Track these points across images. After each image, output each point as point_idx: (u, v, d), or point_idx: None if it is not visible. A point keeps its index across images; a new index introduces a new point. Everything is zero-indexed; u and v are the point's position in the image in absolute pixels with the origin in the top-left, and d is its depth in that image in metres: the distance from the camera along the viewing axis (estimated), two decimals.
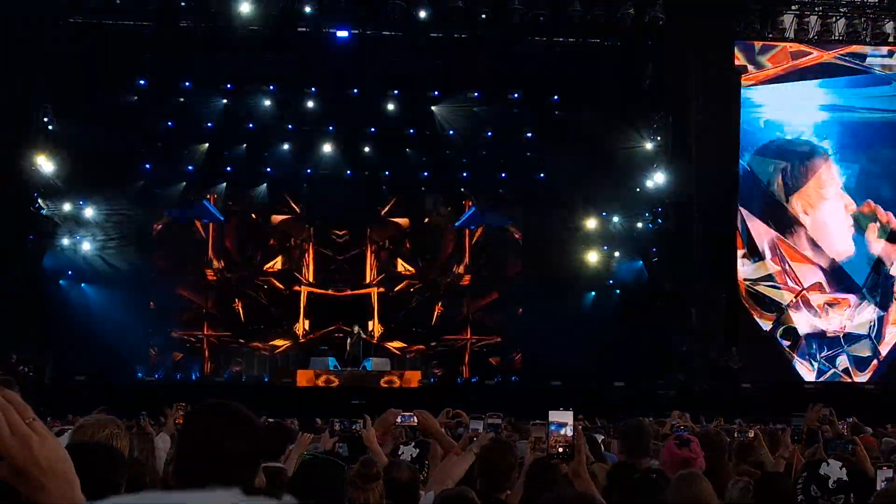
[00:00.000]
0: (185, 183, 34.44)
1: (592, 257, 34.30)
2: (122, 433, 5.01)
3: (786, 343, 29.01)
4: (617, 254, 33.95)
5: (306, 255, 35.65)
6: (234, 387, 30.70)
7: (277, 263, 35.58)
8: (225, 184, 34.98)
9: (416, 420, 7.86)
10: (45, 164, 29.79)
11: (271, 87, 32.61)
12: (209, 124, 33.07)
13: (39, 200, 29.82)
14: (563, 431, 5.14)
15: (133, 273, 32.45)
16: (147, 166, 33.57)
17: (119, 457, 4.30)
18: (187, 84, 32.22)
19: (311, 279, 35.44)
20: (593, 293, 34.38)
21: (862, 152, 29.86)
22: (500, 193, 36.03)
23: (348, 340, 32.21)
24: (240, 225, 35.55)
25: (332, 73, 31.45)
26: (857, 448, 8.00)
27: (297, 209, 35.64)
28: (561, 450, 5.13)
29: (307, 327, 35.07)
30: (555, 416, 5.17)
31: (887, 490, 5.72)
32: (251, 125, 33.26)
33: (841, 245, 29.46)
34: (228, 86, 32.46)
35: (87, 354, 29.38)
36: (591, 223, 34.03)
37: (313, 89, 32.60)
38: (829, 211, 29.55)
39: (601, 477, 7.12)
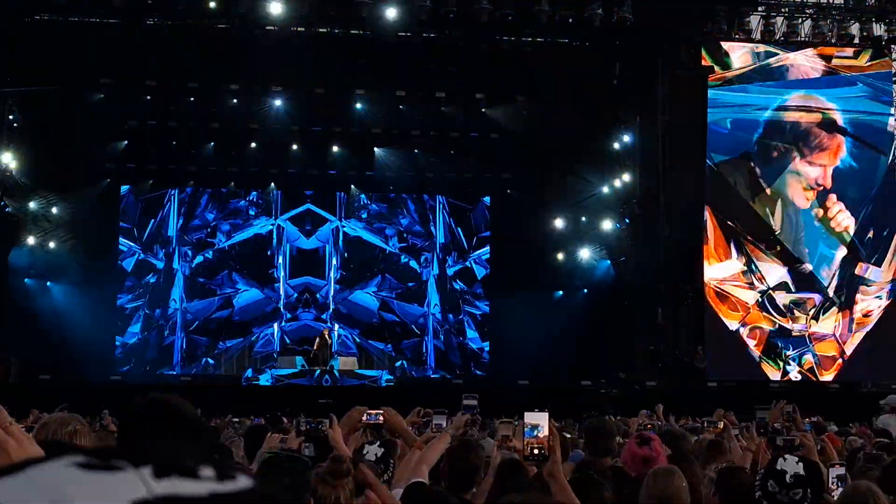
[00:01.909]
0: (151, 181, 34.36)
1: (559, 256, 34.39)
2: (86, 430, 4.99)
3: (751, 342, 29.15)
4: (584, 253, 34.03)
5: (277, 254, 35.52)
6: (202, 385, 30.54)
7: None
8: (192, 182, 34.86)
9: (381, 418, 7.86)
10: (9, 162, 29.64)
11: (237, 86, 32.48)
12: (175, 123, 32.95)
13: (4, 198, 29.65)
14: (537, 434, 5.13)
15: (99, 271, 32.38)
16: (112, 165, 33.43)
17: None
18: (153, 82, 32.08)
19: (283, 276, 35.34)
20: (560, 292, 34.49)
21: (825, 153, 30.02)
22: (467, 192, 36.10)
23: (317, 341, 32.09)
24: (206, 221, 35.35)
25: (299, 72, 31.39)
26: (803, 439, 8.06)
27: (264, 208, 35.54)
28: (536, 451, 5.13)
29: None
30: (530, 417, 5.17)
31: (857, 485, 5.77)
32: (217, 124, 33.14)
33: (803, 245, 29.64)
34: (195, 84, 32.32)
35: (52, 353, 29.27)
36: (559, 222, 34.10)
37: (279, 88, 32.51)
38: (793, 211, 29.71)
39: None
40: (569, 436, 11.51)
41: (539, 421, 5.14)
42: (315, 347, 31.44)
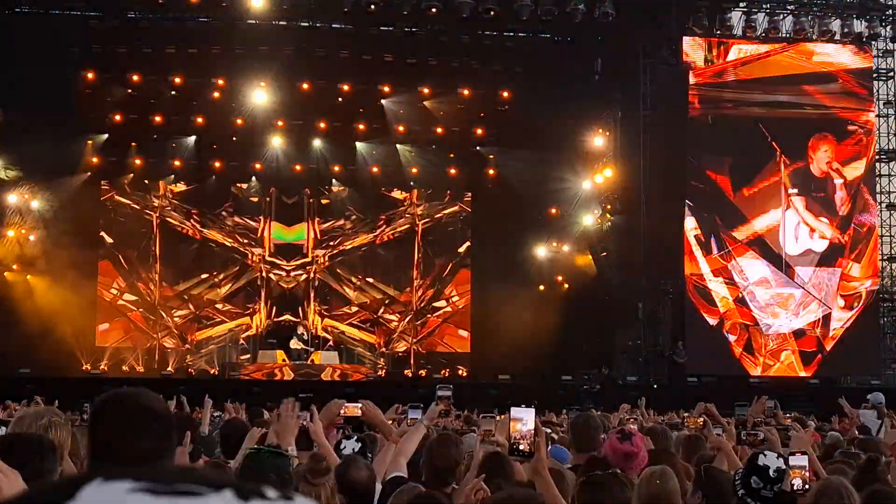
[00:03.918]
0: (132, 175, 34.18)
1: (541, 251, 34.37)
2: (62, 422, 4.96)
3: (731, 337, 29.21)
4: (565, 248, 34.04)
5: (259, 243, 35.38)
6: (181, 380, 30.43)
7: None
8: (173, 175, 34.67)
9: (360, 411, 7.83)
10: None
11: (220, 80, 32.33)
12: (157, 116, 32.78)
13: None
14: (523, 428, 5.13)
15: (79, 264, 32.23)
16: (94, 158, 33.26)
17: (49, 445, 4.27)
18: (134, 75, 31.91)
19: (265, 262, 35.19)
20: (542, 287, 34.45)
21: (806, 149, 30.12)
22: (450, 188, 36.02)
23: (294, 335, 32.08)
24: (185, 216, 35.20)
25: (281, 66, 31.29)
26: (767, 434, 8.06)
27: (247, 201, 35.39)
28: (521, 447, 5.13)
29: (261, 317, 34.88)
30: (516, 412, 5.17)
31: (830, 482, 5.77)
32: (199, 118, 32.98)
33: (784, 241, 29.71)
34: (177, 78, 32.16)
35: (33, 347, 29.11)
36: (540, 217, 34.07)
37: (262, 82, 32.37)
38: (774, 207, 29.79)
39: None
40: (548, 431, 11.49)
41: (524, 416, 5.15)
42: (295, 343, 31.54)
